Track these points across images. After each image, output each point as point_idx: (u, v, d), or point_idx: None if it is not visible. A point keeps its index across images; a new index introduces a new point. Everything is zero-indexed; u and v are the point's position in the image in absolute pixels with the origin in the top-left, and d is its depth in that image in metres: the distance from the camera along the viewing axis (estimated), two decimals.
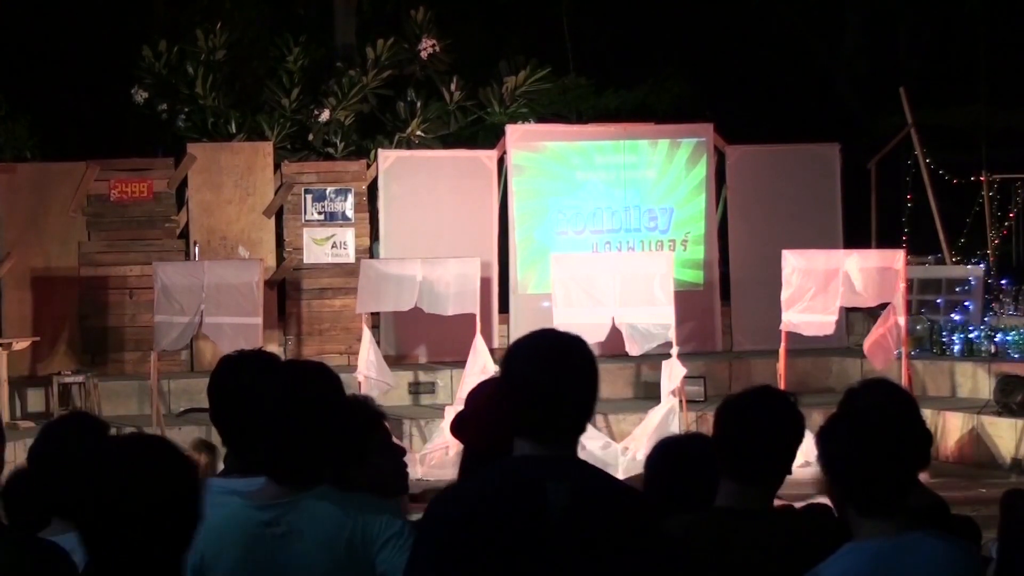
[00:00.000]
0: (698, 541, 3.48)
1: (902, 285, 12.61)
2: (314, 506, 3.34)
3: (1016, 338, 14.19)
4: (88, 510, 2.68)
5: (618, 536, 2.94)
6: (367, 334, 13.29)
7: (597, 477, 3.07)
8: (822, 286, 12.55)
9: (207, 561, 3.34)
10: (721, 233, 16.14)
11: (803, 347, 13.51)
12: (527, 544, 2.89)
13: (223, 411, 3.71)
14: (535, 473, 2.95)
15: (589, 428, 11.18)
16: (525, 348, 3.09)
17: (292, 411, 3.36)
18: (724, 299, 16.07)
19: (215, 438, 9.67)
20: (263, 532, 3.32)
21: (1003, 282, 15.37)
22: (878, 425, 3.14)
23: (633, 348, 12.97)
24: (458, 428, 3.95)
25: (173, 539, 2.70)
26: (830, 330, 12.69)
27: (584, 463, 3.08)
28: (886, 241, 15.95)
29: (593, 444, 12.42)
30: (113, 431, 3.79)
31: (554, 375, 3.01)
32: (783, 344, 12.65)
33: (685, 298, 14.32)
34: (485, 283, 14.17)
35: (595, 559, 2.91)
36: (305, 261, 15.40)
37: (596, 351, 3.14)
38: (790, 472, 3.60)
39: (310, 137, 16.16)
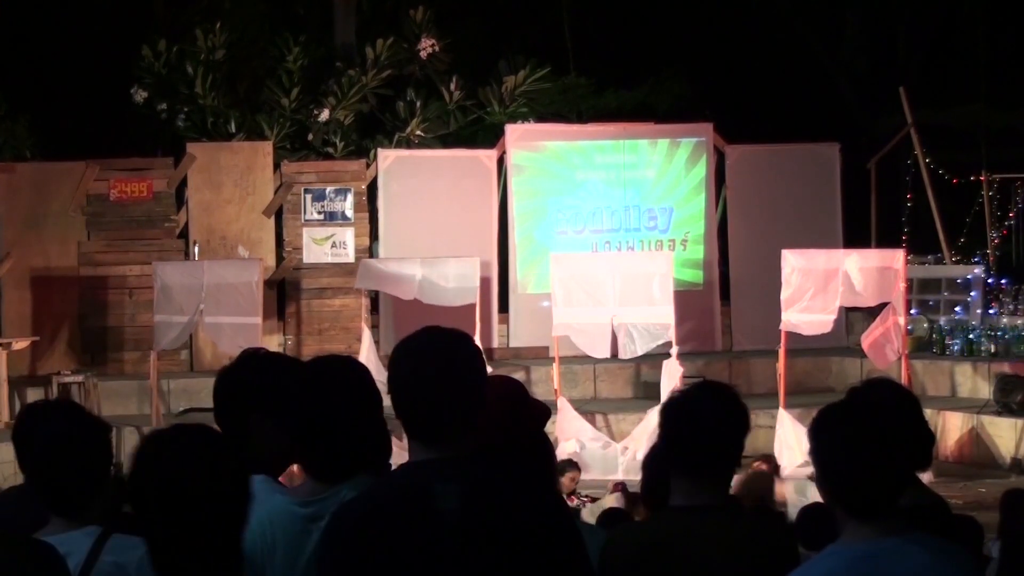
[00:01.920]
0: (654, 539, 3.48)
1: (902, 285, 12.60)
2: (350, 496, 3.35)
3: (1016, 338, 14.19)
4: (149, 500, 2.70)
5: (514, 533, 2.87)
6: (367, 334, 13.28)
7: (488, 475, 2.98)
8: (822, 286, 12.54)
9: (258, 557, 3.33)
10: (721, 233, 16.14)
11: (803, 347, 13.50)
12: (423, 551, 2.83)
13: (229, 410, 3.71)
14: (422, 478, 2.89)
15: (589, 428, 11.13)
16: (405, 348, 3.02)
17: (322, 406, 3.36)
18: (724, 299, 16.07)
19: None
20: (309, 528, 3.34)
21: (1003, 282, 15.36)
22: (871, 423, 3.10)
23: (625, 352, 12.91)
24: None
25: (230, 519, 2.74)
26: (828, 327, 12.69)
27: (476, 462, 2.99)
28: (886, 241, 15.95)
29: (593, 444, 12.41)
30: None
31: (434, 375, 2.93)
32: (783, 344, 12.64)
33: (685, 298, 14.31)
34: (485, 283, 14.16)
35: (494, 559, 2.85)
36: (305, 261, 15.39)
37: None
38: (739, 464, 3.60)
39: (310, 137, 16.16)
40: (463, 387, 2.98)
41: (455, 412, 2.96)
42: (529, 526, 2.90)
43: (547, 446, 3.80)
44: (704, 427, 3.46)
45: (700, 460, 3.46)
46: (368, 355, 12.93)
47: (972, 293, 15.11)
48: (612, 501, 9.61)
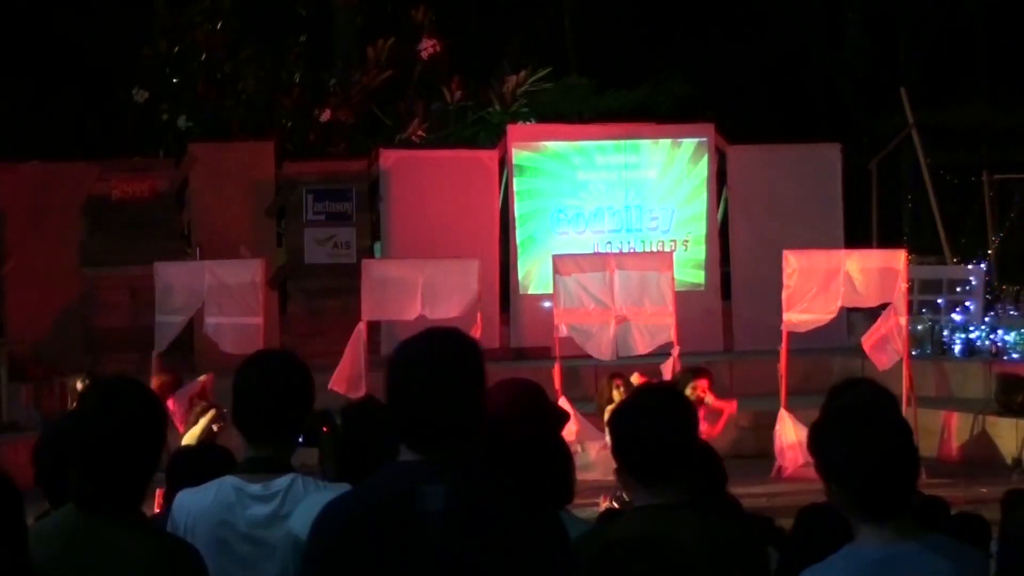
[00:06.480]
0: (615, 539, 3.45)
1: (903, 285, 12.59)
2: None
3: (1017, 338, 14.18)
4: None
5: (501, 536, 2.86)
6: (362, 336, 13.23)
7: (477, 478, 2.94)
8: (823, 286, 12.53)
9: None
10: (722, 233, 16.15)
11: (804, 347, 13.47)
12: (407, 553, 2.82)
13: (247, 412, 3.73)
14: (407, 479, 2.87)
15: (590, 428, 10.98)
16: (401, 351, 2.99)
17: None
18: (725, 299, 16.07)
19: (219, 439, 9.66)
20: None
21: (1003, 283, 15.36)
22: (882, 424, 3.09)
23: (626, 350, 12.90)
24: None
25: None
26: (826, 320, 12.71)
27: (467, 464, 2.94)
28: (887, 241, 15.96)
29: (594, 444, 12.40)
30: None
31: (423, 377, 2.91)
32: (784, 344, 12.63)
33: (686, 298, 14.30)
34: (486, 283, 14.15)
35: (477, 561, 2.83)
36: (306, 261, 15.40)
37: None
38: (690, 465, 3.47)
39: (311, 137, 16.18)
40: (456, 395, 2.93)
41: (445, 415, 2.91)
42: (514, 530, 2.88)
43: (564, 450, 3.80)
44: (647, 435, 3.37)
45: (650, 467, 3.38)
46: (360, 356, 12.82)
47: (973, 293, 15.11)
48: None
